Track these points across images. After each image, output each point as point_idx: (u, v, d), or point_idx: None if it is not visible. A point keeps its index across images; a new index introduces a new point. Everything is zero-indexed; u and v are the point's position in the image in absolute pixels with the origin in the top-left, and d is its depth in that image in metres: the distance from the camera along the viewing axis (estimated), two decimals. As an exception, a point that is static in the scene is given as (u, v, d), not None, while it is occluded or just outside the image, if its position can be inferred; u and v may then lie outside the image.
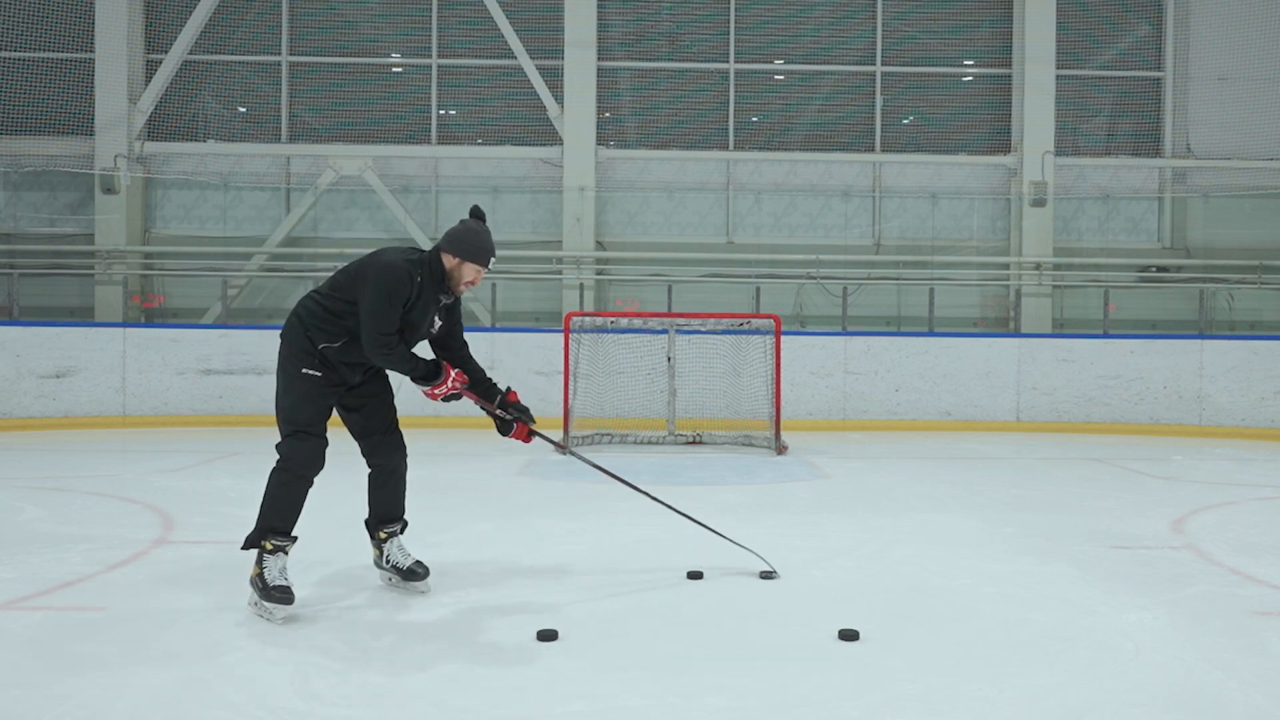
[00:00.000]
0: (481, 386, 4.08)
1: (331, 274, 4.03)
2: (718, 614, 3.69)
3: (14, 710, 2.72)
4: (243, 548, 3.65)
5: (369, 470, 4.02)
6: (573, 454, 4.51)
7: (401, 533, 4.08)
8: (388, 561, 4.01)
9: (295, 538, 3.71)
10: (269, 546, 3.60)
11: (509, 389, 4.13)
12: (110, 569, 4.25)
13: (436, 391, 3.93)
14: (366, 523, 4.06)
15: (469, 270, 3.88)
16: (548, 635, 3.35)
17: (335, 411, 3.91)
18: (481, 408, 4.06)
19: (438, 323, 4.00)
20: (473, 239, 3.90)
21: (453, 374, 3.94)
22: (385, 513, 4.05)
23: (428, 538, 4.96)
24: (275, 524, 3.64)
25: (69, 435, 9.52)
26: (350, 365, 3.88)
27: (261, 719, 2.69)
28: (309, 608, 3.70)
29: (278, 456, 3.73)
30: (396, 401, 4.17)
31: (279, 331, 3.96)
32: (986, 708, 2.80)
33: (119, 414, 10.19)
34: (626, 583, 4.13)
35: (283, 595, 3.53)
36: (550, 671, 3.06)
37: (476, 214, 4.00)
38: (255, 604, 3.59)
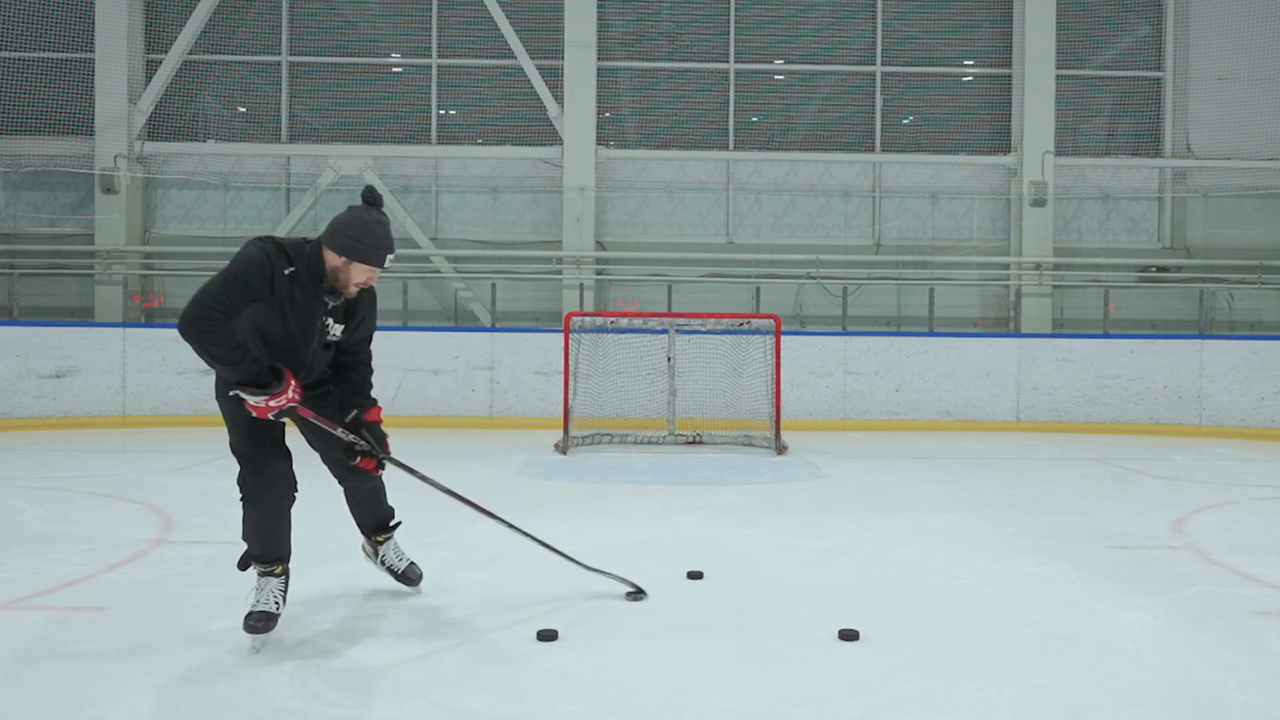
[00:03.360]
0: (337, 402, 3.58)
1: None
2: (718, 614, 3.69)
3: (14, 710, 2.73)
4: (239, 568, 3.47)
5: (345, 489, 3.81)
6: (398, 464, 3.73)
7: (394, 531, 3.97)
8: (383, 563, 3.94)
9: (286, 561, 3.43)
10: (260, 570, 3.40)
11: (371, 405, 3.62)
12: (110, 569, 4.25)
13: (272, 404, 3.20)
14: (359, 525, 3.95)
15: (358, 271, 3.29)
16: (548, 635, 3.35)
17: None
18: (323, 427, 3.45)
19: (334, 327, 3.43)
20: (359, 233, 3.26)
21: (293, 385, 3.25)
22: (372, 523, 3.90)
23: (427, 538, 4.96)
24: (257, 551, 3.40)
25: (69, 435, 9.52)
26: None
27: (262, 719, 2.69)
28: (309, 608, 3.70)
29: None
30: (392, 401, 3.98)
31: None
32: (986, 708, 2.80)
33: (119, 414, 10.19)
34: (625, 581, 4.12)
35: (255, 622, 3.24)
36: (550, 671, 3.06)
37: (370, 198, 3.35)
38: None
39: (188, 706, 2.76)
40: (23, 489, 6.33)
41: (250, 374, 3.16)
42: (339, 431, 3.46)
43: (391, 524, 3.96)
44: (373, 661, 3.15)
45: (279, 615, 3.35)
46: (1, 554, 4.49)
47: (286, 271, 3.23)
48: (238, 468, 3.41)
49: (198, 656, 3.13)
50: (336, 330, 3.45)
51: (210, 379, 10.25)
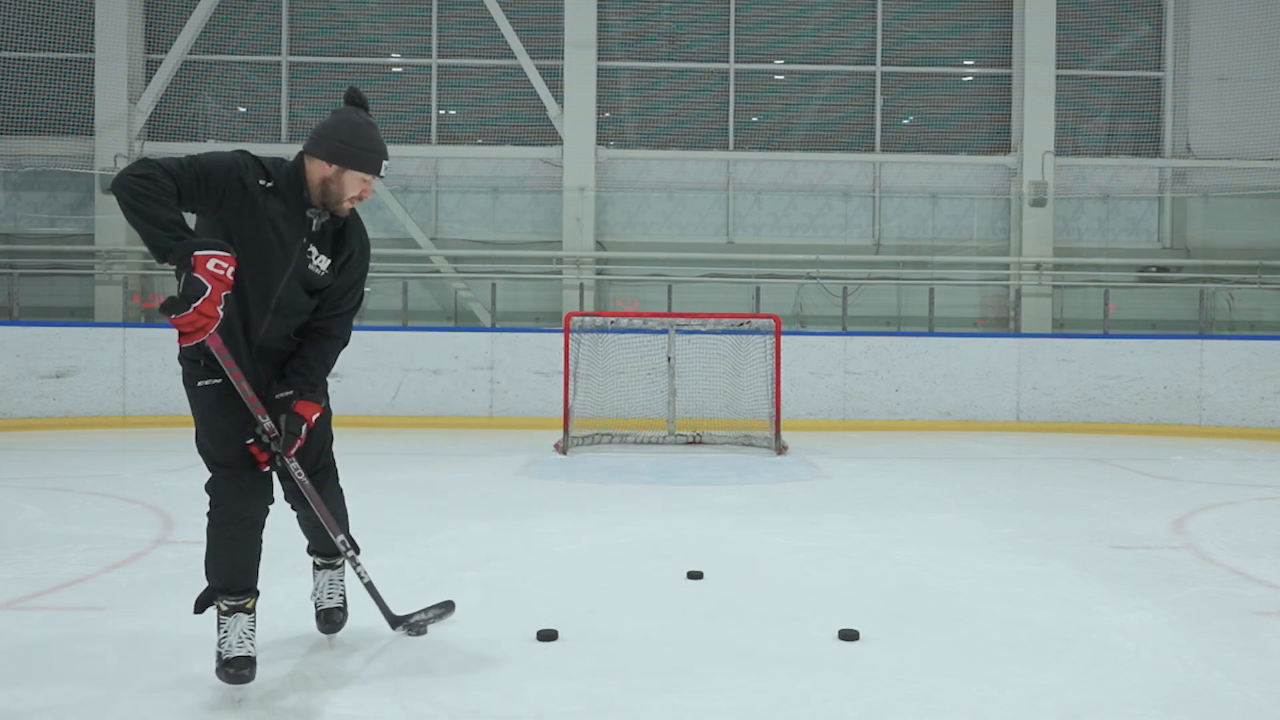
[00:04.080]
0: (277, 375, 2.96)
1: None
2: (718, 614, 3.69)
3: (14, 710, 2.72)
4: (195, 611, 2.94)
5: (295, 512, 3.24)
6: (294, 479, 3.10)
7: (340, 565, 3.35)
8: (314, 593, 3.37)
9: (257, 592, 2.94)
10: (223, 608, 2.88)
11: (312, 398, 2.98)
12: (110, 569, 4.25)
13: (188, 310, 2.47)
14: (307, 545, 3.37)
15: (352, 182, 2.84)
16: (548, 635, 3.35)
17: None
18: (239, 390, 2.82)
19: (319, 259, 2.90)
20: (350, 135, 2.83)
21: (218, 292, 2.49)
22: (320, 546, 3.33)
23: (426, 538, 4.97)
24: (223, 583, 2.88)
25: (69, 435, 9.52)
26: (254, 351, 2.89)
27: (262, 719, 2.69)
28: (308, 607, 3.70)
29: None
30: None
31: None
32: (986, 708, 2.80)
33: (119, 414, 10.19)
34: (626, 583, 4.13)
35: (239, 670, 2.80)
36: (550, 671, 3.06)
37: (355, 99, 2.92)
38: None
39: (188, 706, 2.76)
40: (23, 489, 6.33)
41: (175, 251, 2.47)
42: (252, 402, 2.83)
43: (341, 556, 3.31)
44: (372, 661, 3.15)
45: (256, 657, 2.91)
46: (1, 554, 4.49)
47: (263, 183, 2.77)
48: (208, 475, 2.92)
49: (197, 657, 3.13)
50: (322, 263, 2.91)
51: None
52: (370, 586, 3.29)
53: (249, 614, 2.90)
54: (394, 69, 12.50)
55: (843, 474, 7.46)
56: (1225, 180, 12.36)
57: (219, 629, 2.88)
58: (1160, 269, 12.27)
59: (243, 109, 12.50)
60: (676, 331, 9.34)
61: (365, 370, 10.20)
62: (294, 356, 2.97)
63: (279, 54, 12.31)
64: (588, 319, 9.48)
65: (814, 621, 3.57)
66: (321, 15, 12.37)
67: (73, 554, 4.50)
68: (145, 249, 12.10)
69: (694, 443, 9.12)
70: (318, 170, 2.84)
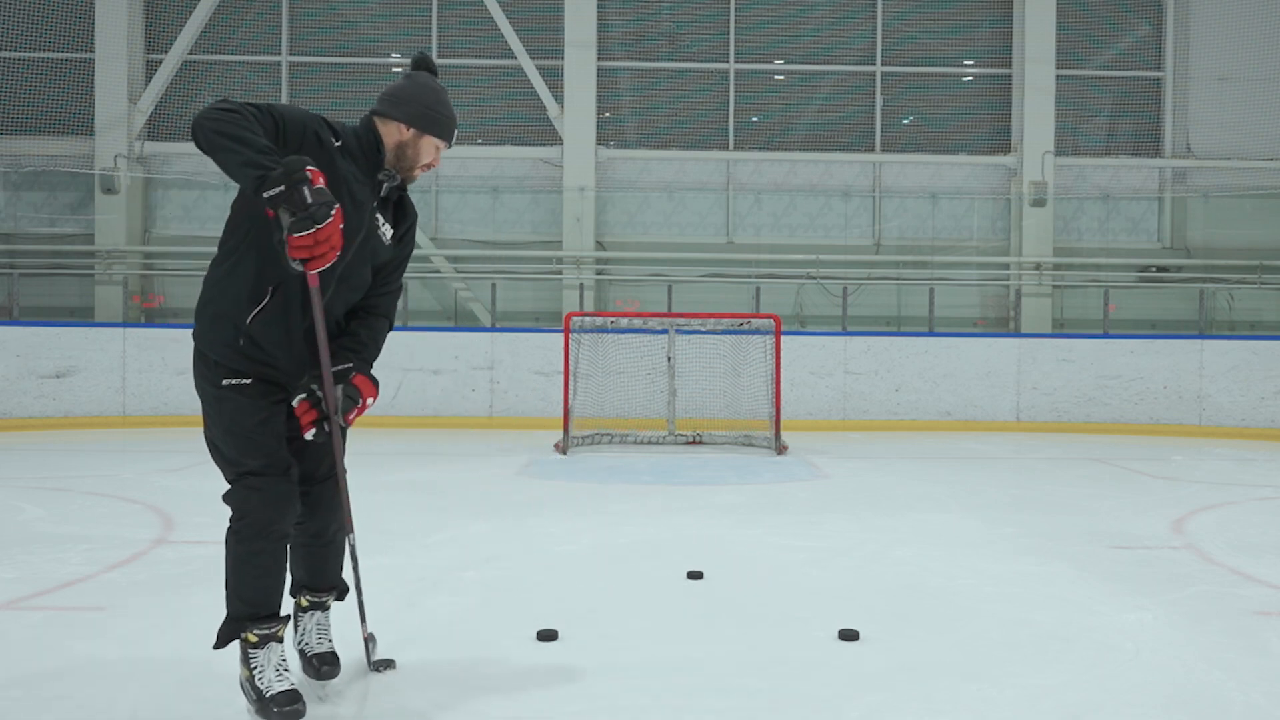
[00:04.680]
0: (341, 353, 2.74)
1: None
2: (718, 614, 3.69)
3: (14, 710, 2.72)
4: (215, 646, 2.69)
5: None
6: (333, 445, 2.78)
7: (329, 606, 3.01)
8: (300, 638, 2.97)
9: (286, 617, 2.72)
10: (253, 638, 2.64)
11: (368, 372, 2.79)
12: (110, 569, 4.25)
13: (320, 245, 2.30)
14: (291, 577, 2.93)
15: (428, 148, 2.74)
16: (548, 635, 3.35)
17: None
18: (312, 357, 2.66)
19: (384, 227, 2.76)
20: (432, 101, 2.73)
21: (340, 214, 2.35)
22: (313, 578, 2.96)
23: (426, 538, 4.97)
24: (251, 608, 2.64)
25: (69, 435, 9.52)
26: (287, 345, 2.64)
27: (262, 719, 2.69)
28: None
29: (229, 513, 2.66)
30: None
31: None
32: (986, 708, 2.79)
33: (119, 414, 10.19)
34: (626, 583, 4.13)
35: (288, 706, 2.59)
36: (550, 671, 3.06)
37: (427, 64, 2.80)
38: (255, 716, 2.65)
39: (188, 706, 2.76)
40: (23, 489, 6.33)
41: (283, 180, 2.25)
42: (323, 359, 2.63)
43: (331, 593, 3.01)
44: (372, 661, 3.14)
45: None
46: (1, 554, 4.49)
47: (335, 142, 2.61)
48: (226, 492, 2.68)
49: (198, 656, 3.13)
50: (387, 232, 2.77)
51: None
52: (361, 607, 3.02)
53: (280, 642, 2.67)
54: (394, 69, 12.50)
55: (843, 474, 7.46)
56: (1225, 180, 12.36)
57: (248, 664, 2.64)
58: (1160, 269, 12.27)
59: (243, 109, 12.48)
60: (676, 331, 9.34)
61: (365, 370, 10.17)
62: (345, 335, 2.78)
63: (279, 54, 12.31)
64: (588, 319, 9.49)
65: (814, 621, 3.57)
66: (321, 15, 12.37)
67: (73, 554, 4.50)
68: (145, 249, 12.14)
69: (694, 443, 9.12)
70: (394, 134, 2.72)
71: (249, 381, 2.61)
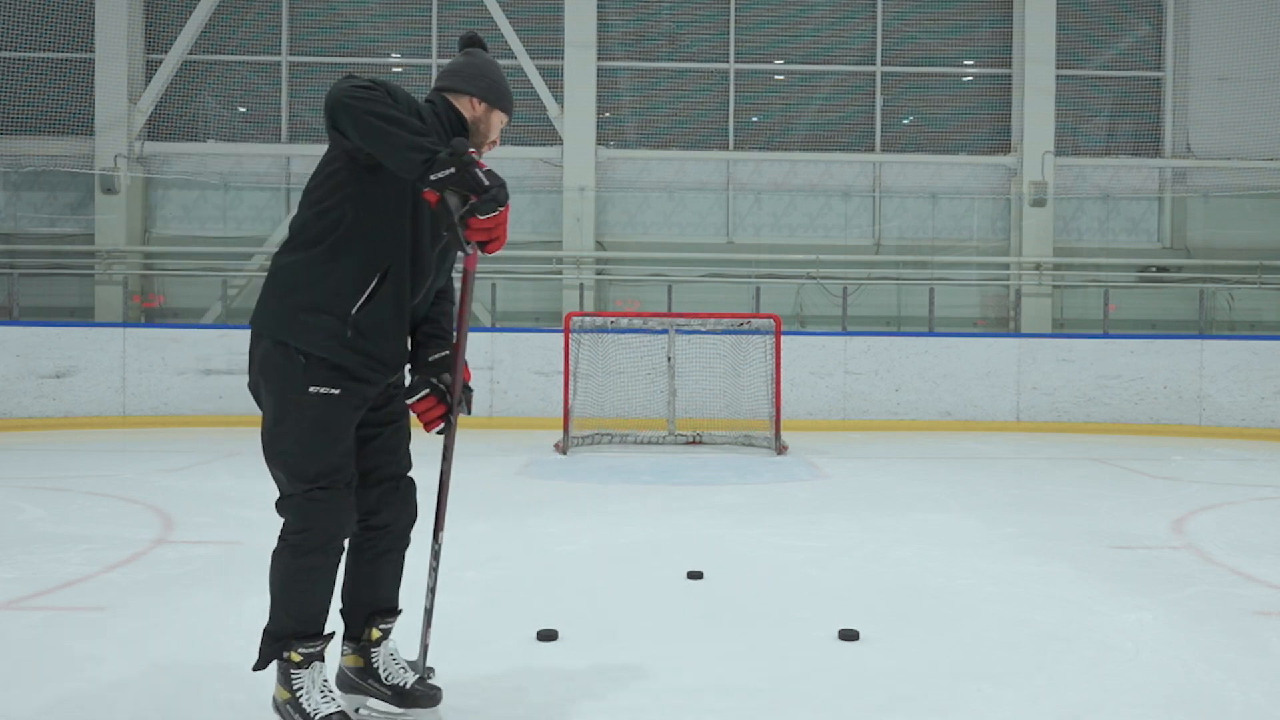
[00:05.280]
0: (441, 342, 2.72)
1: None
2: (718, 614, 3.69)
3: (14, 710, 2.72)
4: (256, 667, 2.52)
5: (360, 537, 2.67)
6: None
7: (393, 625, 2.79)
8: (384, 676, 2.71)
9: (330, 635, 2.57)
10: (296, 658, 2.47)
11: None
12: (110, 569, 4.25)
13: (499, 222, 2.25)
14: (344, 613, 2.73)
15: (496, 123, 2.67)
16: (548, 635, 3.35)
17: None
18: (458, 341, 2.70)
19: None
20: (498, 76, 2.69)
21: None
22: (380, 598, 2.73)
23: (425, 539, 4.96)
24: (299, 625, 2.47)
25: (69, 435, 9.52)
26: (396, 334, 2.52)
27: (262, 719, 2.69)
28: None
29: (281, 530, 2.50)
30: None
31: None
32: (986, 708, 2.79)
33: (119, 414, 10.19)
34: (626, 583, 4.13)
35: None
36: (550, 671, 3.06)
37: (478, 40, 2.76)
38: None
39: (188, 706, 2.76)
40: (23, 489, 6.32)
41: (458, 150, 2.20)
42: (459, 352, 2.61)
43: (396, 615, 2.80)
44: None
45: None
46: (1, 554, 4.49)
47: (429, 122, 2.46)
48: (283, 495, 2.50)
49: (198, 656, 3.13)
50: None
51: (211, 379, 10.31)
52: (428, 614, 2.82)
53: (323, 661, 2.53)
54: (394, 69, 12.50)
55: (843, 474, 7.46)
56: (1225, 180, 12.36)
57: (289, 685, 2.48)
58: (1160, 269, 12.27)
59: (243, 109, 12.50)
60: (676, 331, 9.34)
61: (365, 370, 10.18)
62: (426, 321, 2.69)
63: (279, 54, 12.32)
64: (588, 319, 9.48)
65: (814, 621, 3.57)
66: (321, 15, 12.37)
67: (73, 554, 4.50)
68: (145, 249, 12.11)
69: (694, 443, 9.11)
70: (467, 109, 2.64)
71: (337, 393, 2.43)
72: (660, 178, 12.40)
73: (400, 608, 2.80)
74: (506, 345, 10.46)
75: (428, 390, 2.61)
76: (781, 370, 9.09)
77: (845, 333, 10.88)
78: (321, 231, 2.43)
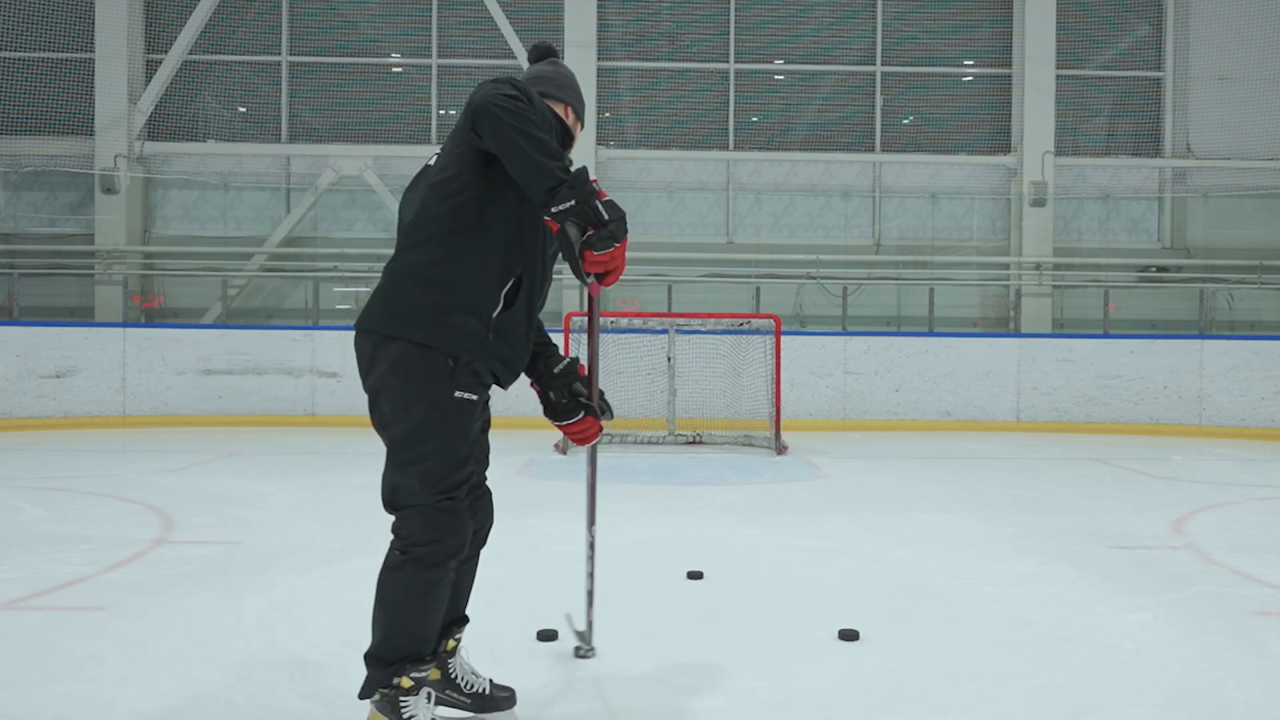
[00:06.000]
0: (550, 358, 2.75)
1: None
2: (718, 614, 3.69)
3: (14, 710, 2.72)
4: (363, 695, 2.41)
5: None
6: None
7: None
8: (464, 686, 2.67)
9: (436, 654, 2.52)
10: (407, 684, 2.36)
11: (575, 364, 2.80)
12: (110, 569, 4.25)
13: (615, 256, 2.26)
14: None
15: (578, 133, 2.68)
16: (548, 635, 3.35)
17: None
18: (589, 362, 2.77)
19: None
20: (579, 87, 2.69)
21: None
22: (459, 607, 2.68)
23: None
24: (415, 646, 2.38)
25: (69, 435, 9.52)
26: (525, 340, 2.51)
27: (262, 719, 2.69)
28: (309, 607, 3.70)
29: (399, 543, 2.38)
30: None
31: (355, 328, 2.46)
32: (986, 708, 2.79)
33: (119, 414, 10.19)
34: (626, 583, 4.12)
35: None
36: (550, 671, 3.06)
37: (553, 50, 2.72)
38: None
39: (188, 706, 2.76)
40: (23, 489, 6.32)
41: (580, 182, 2.19)
42: (590, 375, 2.65)
43: (465, 623, 2.75)
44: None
45: None
46: (1, 554, 4.49)
47: None
48: (407, 505, 2.37)
49: (198, 656, 3.13)
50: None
51: (211, 379, 10.31)
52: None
53: (434, 683, 2.48)
54: (394, 69, 12.50)
55: (843, 474, 7.46)
56: (1225, 180, 12.36)
57: (398, 713, 2.35)
58: (1160, 269, 12.28)
59: (243, 109, 12.50)
60: (676, 331, 9.34)
61: (365, 370, 10.18)
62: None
63: (279, 54, 12.32)
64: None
65: (814, 621, 3.57)
66: (321, 15, 12.37)
67: (73, 554, 4.50)
68: (145, 249, 12.11)
69: (694, 443, 9.11)
70: (568, 116, 2.63)
71: (474, 399, 2.38)
72: (660, 178, 12.40)
73: (469, 616, 2.75)
74: (506, 345, 10.45)
75: (583, 412, 2.65)
76: (781, 370, 9.09)
77: (845, 333, 10.88)
78: (460, 229, 2.35)
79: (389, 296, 2.38)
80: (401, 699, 2.36)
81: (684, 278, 11.94)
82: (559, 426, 2.71)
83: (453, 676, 2.66)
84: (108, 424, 10.10)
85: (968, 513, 5.85)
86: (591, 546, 3.03)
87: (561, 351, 3.09)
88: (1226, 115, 12.23)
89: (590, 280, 2.35)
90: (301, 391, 10.23)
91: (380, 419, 2.39)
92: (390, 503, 2.39)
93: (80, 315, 11.82)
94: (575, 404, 2.66)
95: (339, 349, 10.28)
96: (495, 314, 2.38)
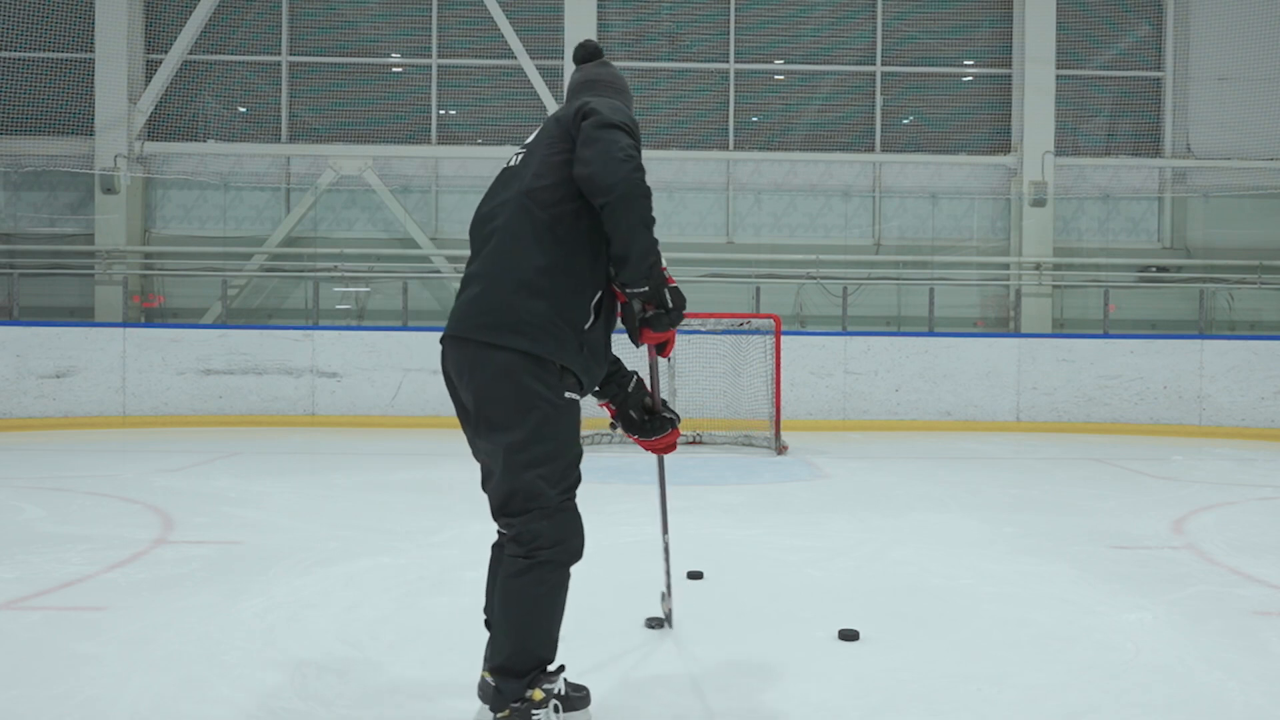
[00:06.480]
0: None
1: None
2: (718, 614, 3.69)
3: (14, 710, 2.72)
4: (496, 710, 2.38)
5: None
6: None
7: None
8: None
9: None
10: (539, 695, 2.36)
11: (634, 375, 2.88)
12: (110, 569, 4.25)
13: (669, 338, 2.48)
14: (489, 625, 2.66)
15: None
16: (548, 635, 3.35)
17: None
18: (654, 375, 2.84)
19: None
20: (629, 86, 2.73)
21: None
22: None
23: (426, 538, 4.97)
24: (545, 653, 2.38)
25: (69, 435, 9.52)
26: (606, 355, 2.55)
27: (261, 719, 2.69)
28: (309, 607, 3.70)
29: (523, 549, 2.37)
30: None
31: (450, 328, 2.44)
32: (986, 708, 2.79)
33: (119, 414, 10.19)
34: (625, 583, 4.12)
35: None
36: (550, 671, 3.06)
37: (598, 50, 2.72)
38: None
39: (188, 706, 2.76)
40: (23, 489, 6.32)
41: (656, 270, 2.32)
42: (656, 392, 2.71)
43: None
44: (373, 662, 3.15)
45: None
46: (1, 554, 4.49)
47: None
48: (537, 508, 2.37)
49: (198, 656, 3.13)
50: None
51: (210, 379, 10.31)
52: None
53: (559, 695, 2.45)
54: (394, 69, 12.50)
55: (843, 474, 7.46)
56: (1225, 180, 12.36)
57: None
58: (1160, 269, 12.28)
59: (243, 109, 12.50)
60: (677, 331, 9.32)
61: (365, 370, 10.20)
62: None
63: (279, 54, 12.32)
64: (588, 319, 9.47)
65: (814, 621, 3.57)
66: (321, 15, 12.37)
67: (73, 554, 4.50)
68: (145, 249, 12.10)
69: (694, 443, 9.11)
70: None
71: (579, 398, 2.44)
72: (660, 178, 12.39)
73: None
74: (506, 345, 10.44)
75: (670, 426, 2.73)
76: (781, 370, 9.09)
77: (845, 333, 10.88)
78: (560, 240, 2.37)
79: (490, 302, 2.36)
80: (534, 713, 2.34)
81: (684, 277, 11.93)
82: (644, 442, 2.77)
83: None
84: (108, 424, 10.10)
85: (968, 513, 5.85)
86: (667, 547, 3.40)
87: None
88: (1226, 115, 12.22)
89: (638, 344, 2.49)
90: (301, 391, 10.23)
91: (490, 425, 2.37)
92: (508, 509, 2.38)
93: (80, 315, 11.82)
94: (660, 419, 2.72)
95: (339, 349, 10.28)
96: (587, 326, 2.41)
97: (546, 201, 2.37)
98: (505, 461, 2.35)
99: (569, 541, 2.38)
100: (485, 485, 2.54)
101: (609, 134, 2.29)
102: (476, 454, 2.56)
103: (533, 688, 2.34)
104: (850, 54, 12.49)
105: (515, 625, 2.34)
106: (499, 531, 2.54)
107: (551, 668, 2.45)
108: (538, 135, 2.49)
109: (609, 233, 2.29)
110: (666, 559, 3.38)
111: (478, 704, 2.80)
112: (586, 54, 2.70)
